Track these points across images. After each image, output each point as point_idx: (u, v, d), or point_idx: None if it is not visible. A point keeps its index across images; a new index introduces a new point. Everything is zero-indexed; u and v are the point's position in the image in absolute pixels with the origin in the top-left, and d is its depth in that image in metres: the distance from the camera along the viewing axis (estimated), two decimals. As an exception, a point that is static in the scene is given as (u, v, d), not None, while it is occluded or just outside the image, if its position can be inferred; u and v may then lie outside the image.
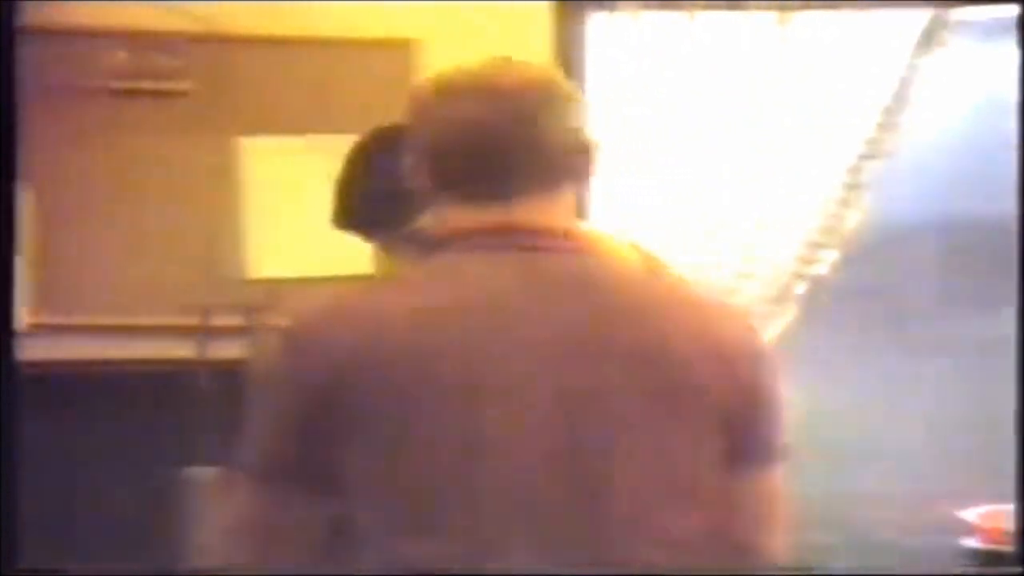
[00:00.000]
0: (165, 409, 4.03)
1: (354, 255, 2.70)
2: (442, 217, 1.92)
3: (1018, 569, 1.80)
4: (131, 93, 4.28)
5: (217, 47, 4.34)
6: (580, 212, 1.96)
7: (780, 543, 1.94)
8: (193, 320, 4.15)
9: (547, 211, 1.89)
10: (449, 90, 1.91)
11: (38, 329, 4.20)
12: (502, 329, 1.80)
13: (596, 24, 4.59)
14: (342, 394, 1.77)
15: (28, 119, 4.21)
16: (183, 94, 4.30)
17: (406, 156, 1.94)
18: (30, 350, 4.20)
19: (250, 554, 1.81)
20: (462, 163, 1.88)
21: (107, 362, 4.22)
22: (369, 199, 2.47)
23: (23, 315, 4.18)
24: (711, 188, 4.55)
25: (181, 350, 4.14)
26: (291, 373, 1.82)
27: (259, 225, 4.18)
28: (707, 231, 4.55)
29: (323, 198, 2.57)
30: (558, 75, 1.95)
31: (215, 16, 4.26)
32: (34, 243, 4.22)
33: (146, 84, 4.28)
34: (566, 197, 1.92)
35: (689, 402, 1.83)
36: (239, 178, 4.16)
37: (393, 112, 2.11)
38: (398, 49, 4.32)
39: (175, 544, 3.77)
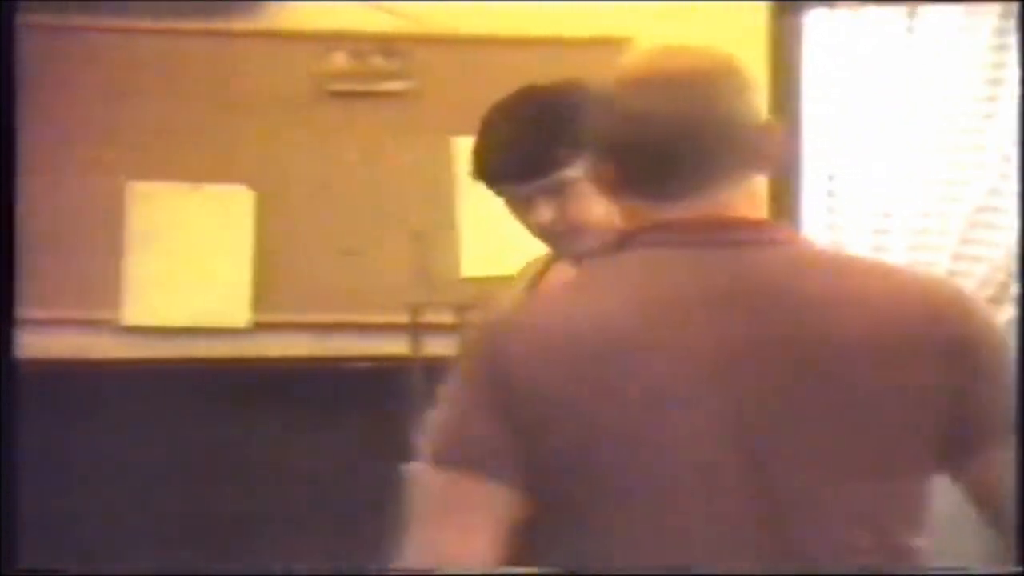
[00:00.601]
0: (380, 405, 4.08)
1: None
2: (632, 211, 1.88)
3: (1018, 569, 1.75)
4: (349, 95, 4.34)
5: (432, 48, 4.38)
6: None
7: None
8: (407, 318, 4.21)
9: (741, 201, 1.85)
10: (628, 84, 1.87)
11: (260, 327, 4.31)
12: (699, 325, 1.77)
13: (814, 20, 4.54)
14: (535, 387, 1.77)
15: (248, 123, 4.34)
16: (400, 95, 4.36)
17: (587, 153, 1.92)
18: (253, 347, 4.33)
19: (436, 542, 1.81)
20: (649, 158, 1.84)
21: (324, 359, 4.30)
22: (503, 154, 2.51)
23: (246, 313, 4.29)
24: (926, 184, 4.48)
25: (396, 347, 4.21)
26: (487, 365, 1.81)
27: (472, 224, 4.23)
28: (921, 228, 4.49)
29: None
30: (734, 59, 1.88)
31: (430, 17, 4.31)
32: (256, 244, 4.32)
33: (364, 86, 4.34)
34: (756, 184, 1.88)
35: (894, 399, 1.78)
36: (453, 177, 4.20)
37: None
38: (610, 48, 4.30)
39: (389, 540, 3.83)
